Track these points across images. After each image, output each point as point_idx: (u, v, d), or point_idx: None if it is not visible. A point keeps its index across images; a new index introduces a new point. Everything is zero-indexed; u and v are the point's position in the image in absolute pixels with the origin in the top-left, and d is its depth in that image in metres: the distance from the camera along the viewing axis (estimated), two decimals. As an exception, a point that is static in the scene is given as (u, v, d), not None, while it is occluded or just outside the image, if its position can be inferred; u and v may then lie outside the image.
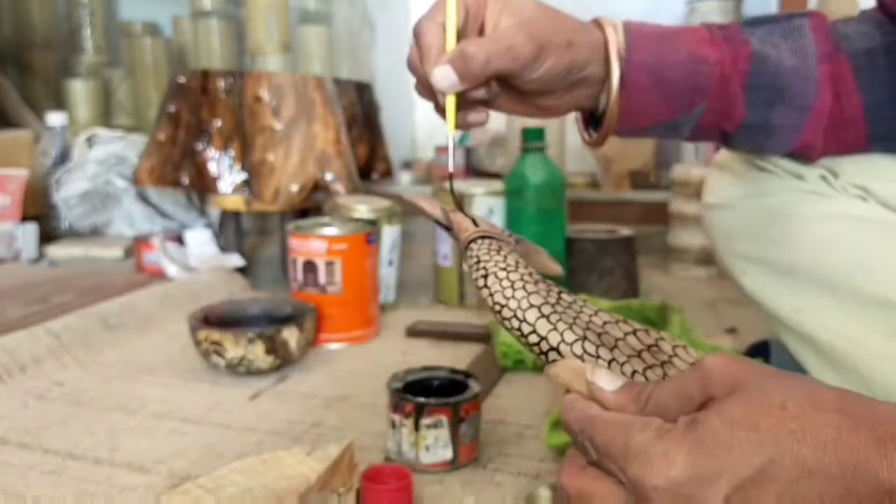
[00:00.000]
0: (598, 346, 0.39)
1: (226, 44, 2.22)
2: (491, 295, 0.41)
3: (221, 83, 1.27)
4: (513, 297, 0.41)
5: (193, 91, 1.29)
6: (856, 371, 0.62)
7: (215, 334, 0.85)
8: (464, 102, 0.52)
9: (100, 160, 1.60)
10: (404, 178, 2.05)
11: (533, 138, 1.15)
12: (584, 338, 0.39)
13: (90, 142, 1.64)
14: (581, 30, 0.52)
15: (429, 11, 0.51)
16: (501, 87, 0.53)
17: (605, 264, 1.19)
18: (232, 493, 0.52)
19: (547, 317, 0.40)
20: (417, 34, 0.51)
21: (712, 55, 0.55)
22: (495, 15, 0.51)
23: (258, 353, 0.85)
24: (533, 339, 0.39)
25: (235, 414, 0.77)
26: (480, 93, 0.51)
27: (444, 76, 0.49)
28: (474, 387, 0.67)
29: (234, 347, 0.84)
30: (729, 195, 0.69)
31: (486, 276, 0.42)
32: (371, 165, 1.55)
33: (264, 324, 0.91)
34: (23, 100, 2.15)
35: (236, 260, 1.32)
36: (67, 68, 2.35)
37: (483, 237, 0.45)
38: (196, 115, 1.28)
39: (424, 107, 2.45)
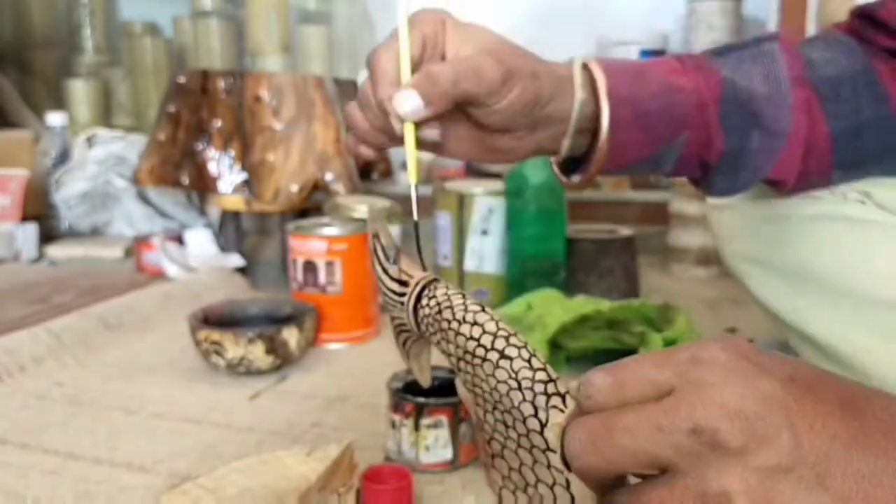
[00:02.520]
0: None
1: (226, 44, 2.22)
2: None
3: (221, 83, 1.27)
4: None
5: (193, 91, 1.29)
6: (853, 371, 0.62)
7: (215, 334, 0.85)
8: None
9: (100, 160, 1.60)
10: (404, 178, 2.05)
11: (533, 138, 1.15)
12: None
13: (90, 142, 1.64)
14: (545, 63, 0.50)
15: (386, 40, 0.48)
16: (456, 123, 0.49)
17: (605, 264, 1.19)
18: (232, 493, 0.52)
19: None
20: (372, 62, 0.47)
21: (686, 83, 0.53)
22: (455, 44, 0.48)
23: (258, 353, 0.85)
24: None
25: (235, 414, 0.77)
26: (434, 132, 0.47)
27: (406, 99, 0.44)
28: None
29: (234, 347, 0.84)
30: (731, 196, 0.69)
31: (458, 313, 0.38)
32: (371, 165, 1.55)
33: (264, 324, 0.90)
34: (23, 100, 2.15)
35: (236, 260, 1.32)
36: (67, 68, 2.35)
37: (437, 280, 0.42)
38: (196, 115, 1.28)
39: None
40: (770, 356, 0.29)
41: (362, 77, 0.50)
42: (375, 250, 0.44)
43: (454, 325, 0.37)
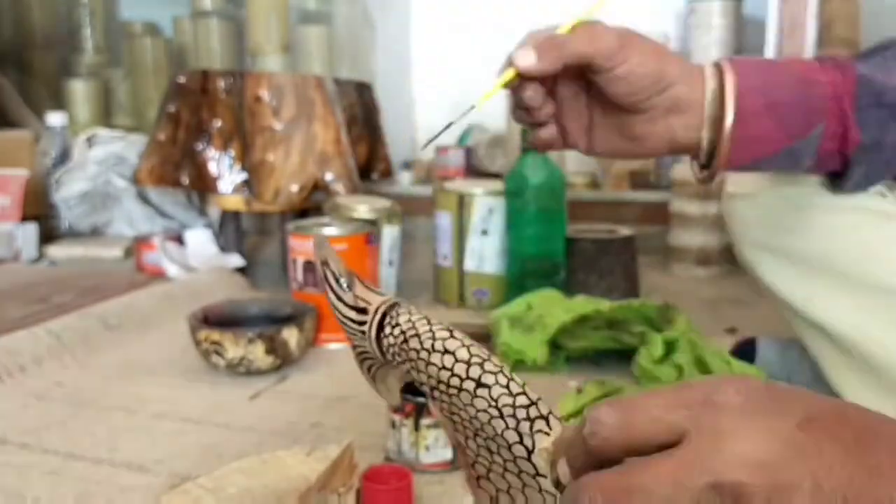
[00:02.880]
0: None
1: (226, 44, 2.22)
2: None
3: (221, 83, 1.27)
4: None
5: (193, 91, 1.29)
6: (863, 360, 0.62)
7: (215, 334, 0.85)
8: (537, 117, 0.53)
9: (100, 160, 1.60)
10: (404, 178, 2.05)
11: (533, 138, 1.15)
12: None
13: (90, 142, 1.64)
14: (673, 53, 0.52)
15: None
16: (595, 110, 0.53)
17: (605, 264, 1.19)
18: (232, 493, 0.52)
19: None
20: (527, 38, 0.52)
21: (822, 77, 0.54)
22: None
23: (258, 353, 0.85)
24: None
25: (235, 414, 0.77)
26: (551, 131, 0.53)
27: (524, 54, 0.49)
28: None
29: (234, 347, 0.84)
30: (750, 186, 0.69)
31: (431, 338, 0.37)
32: (371, 165, 1.55)
33: (264, 324, 0.90)
34: (23, 100, 2.15)
35: (236, 260, 1.32)
36: (67, 68, 2.35)
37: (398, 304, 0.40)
38: (196, 115, 1.28)
39: (424, 107, 2.44)
40: (784, 392, 0.28)
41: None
42: (326, 277, 0.41)
43: (423, 354, 0.36)
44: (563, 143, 0.55)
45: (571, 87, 0.54)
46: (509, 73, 0.50)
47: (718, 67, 0.52)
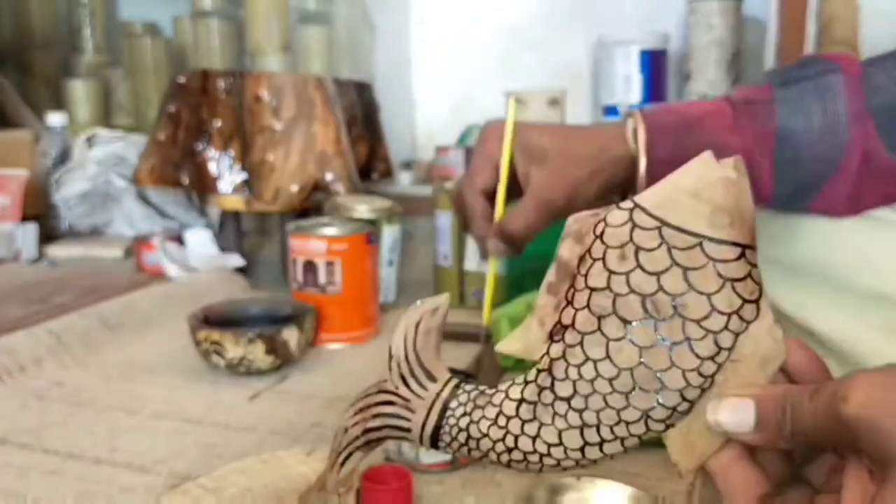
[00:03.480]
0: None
1: (226, 44, 2.21)
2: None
3: (221, 83, 1.27)
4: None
5: (193, 91, 1.29)
6: (857, 367, 0.62)
7: (215, 334, 0.85)
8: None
9: (100, 160, 1.60)
10: (404, 178, 2.05)
11: (533, 138, 1.15)
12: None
13: (90, 142, 1.64)
14: (602, 149, 0.57)
15: (467, 178, 0.61)
16: None
17: (605, 264, 1.19)
18: (232, 493, 0.52)
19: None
20: (458, 203, 0.63)
21: (735, 142, 0.55)
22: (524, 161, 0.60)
23: (258, 353, 0.85)
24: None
25: (235, 414, 0.77)
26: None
27: (494, 248, 0.60)
28: (474, 387, 0.67)
29: (234, 347, 0.84)
30: None
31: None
32: (371, 165, 1.55)
33: (264, 324, 0.90)
34: (23, 100, 2.15)
35: (236, 260, 1.32)
36: (67, 68, 2.35)
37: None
38: (196, 115, 1.28)
39: (424, 107, 2.44)
40: None
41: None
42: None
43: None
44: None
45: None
46: (492, 273, 0.62)
47: (634, 130, 0.58)
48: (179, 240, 1.38)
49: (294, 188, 1.26)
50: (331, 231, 1.00)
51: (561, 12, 2.05)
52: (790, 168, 0.57)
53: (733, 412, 0.31)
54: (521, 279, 1.14)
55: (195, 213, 1.60)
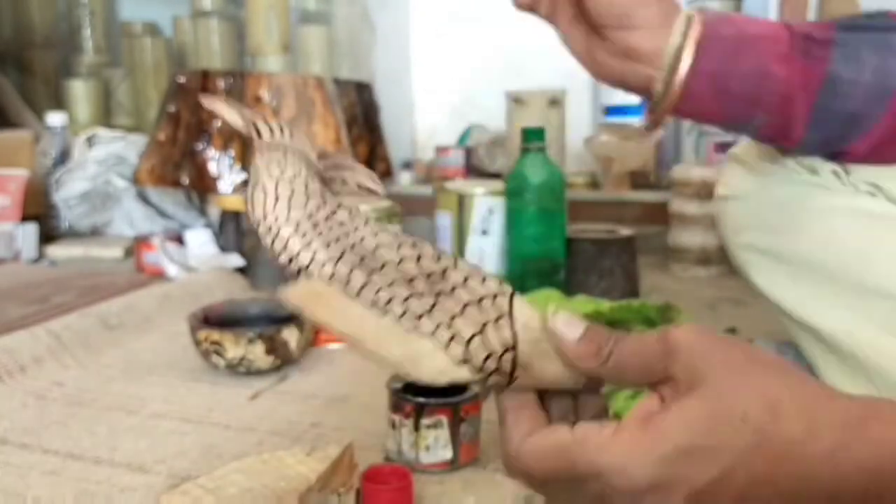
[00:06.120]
0: (353, 268, 0.36)
1: (226, 44, 2.22)
2: (253, 209, 0.39)
3: (221, 83, 1.27)
4: (272, 211, 0.39)
5: (193, 91, 1.29)
6: (856, 362, 0.62)
7: (215, 334, 0.85)
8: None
9: (100, 160, 1.60)
10: (404, 178, 2.05)
11: (533, 138, 1.15)
12: (340, 258, 0.37)
13: (90, 142, 1.64)
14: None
15: None
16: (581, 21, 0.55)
17: (605, 264, 1.19)
18: (232, 493, 0.52)
19: (303, 233, 0.38)
20: None
21: (782, 73, 0.54)
22: None
23: (258, 353, 0.85)
24: (284, 257, 0.38)
25: (235, 414, 0.77)
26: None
27: None
28: (474, 387, 0.67)
29: (234, 347, 0.84)
30: (741, 187, 0.69)
31: (254, 188, 0.40)
32: (371, 165, 1.55)
33: (264, 324, 0.90)
34: (23, 100, 2.15)
35: (236, 260, 1.32)
36: (67, 68, 2.35)
37: (275, 149, 0.42)
38: (196, 115, 1.28)
39: (424, 107, 2.44)
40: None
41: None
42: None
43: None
44: (548, 13, 0.56)
45: None
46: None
47: (686, 33, 0.53)
48: (179, 240, 1.38)
49: (294, 188, 1.26)
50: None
51: (561, 12, 2.04)
52: (828, 117, 0.55)
53: (566, 323, 0.35)
54: (521, 279, 1.14)
55: (195, 213, 1.60)
